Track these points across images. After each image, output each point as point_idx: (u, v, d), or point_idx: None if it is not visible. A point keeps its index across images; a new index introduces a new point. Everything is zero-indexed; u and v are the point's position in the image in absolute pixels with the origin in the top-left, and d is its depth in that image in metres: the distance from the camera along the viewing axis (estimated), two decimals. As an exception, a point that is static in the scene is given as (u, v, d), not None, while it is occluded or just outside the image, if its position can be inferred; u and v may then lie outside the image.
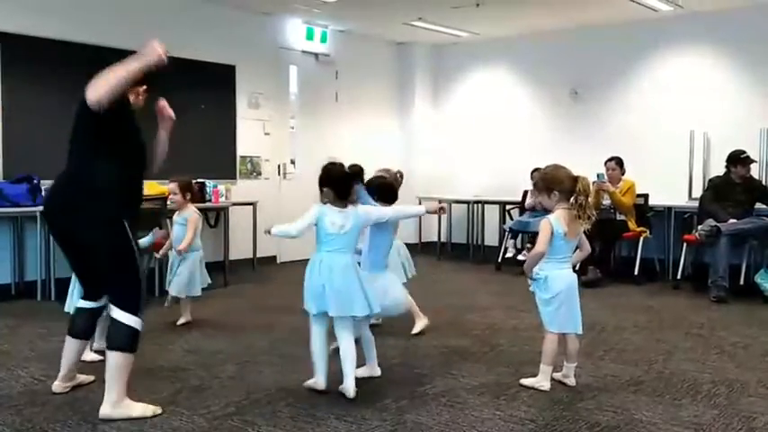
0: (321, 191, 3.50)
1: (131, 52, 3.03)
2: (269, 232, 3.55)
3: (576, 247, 3.67)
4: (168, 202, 5.58)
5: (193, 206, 5.24)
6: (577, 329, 3.59)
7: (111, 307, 3.16)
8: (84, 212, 3.09)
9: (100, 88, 2.91)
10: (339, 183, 3.48)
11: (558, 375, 3.65)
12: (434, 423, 3.09)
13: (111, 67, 2.95)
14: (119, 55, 3.04)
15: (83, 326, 3.40)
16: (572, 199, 3.50)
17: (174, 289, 5.07)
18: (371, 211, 3.69)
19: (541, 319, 3.62)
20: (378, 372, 3.77)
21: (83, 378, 3.57)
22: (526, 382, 3.62)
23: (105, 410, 3.09)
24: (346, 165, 3.61)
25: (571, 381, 3.63)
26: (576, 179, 3.50)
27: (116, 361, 3.10)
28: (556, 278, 3.53)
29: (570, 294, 3.56)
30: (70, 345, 3.40)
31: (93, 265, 3.23)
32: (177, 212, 5.20)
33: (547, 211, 3.66)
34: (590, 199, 3.48)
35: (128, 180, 3.21)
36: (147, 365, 3.98)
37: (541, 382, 3.57)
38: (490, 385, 3.65)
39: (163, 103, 3.49)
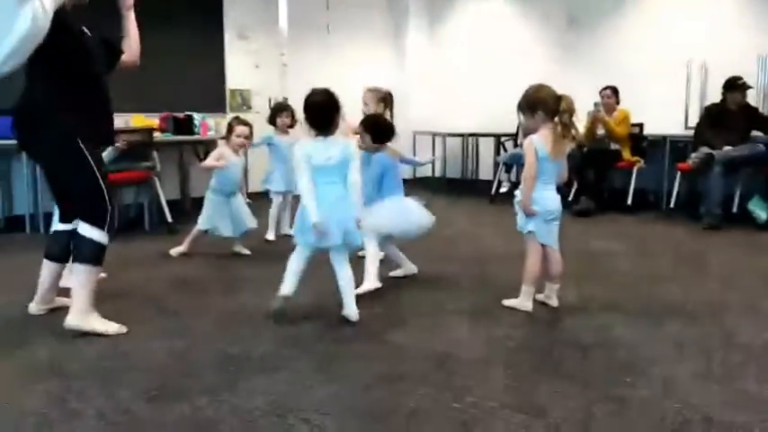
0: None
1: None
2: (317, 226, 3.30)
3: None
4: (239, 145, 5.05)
5: None
6: (555, 245, 3.57)
7: (79, 222, 3.18)
8: (36, 137, 3.10)
9: None
10: (314, 112, 3.37)
11: (540, 296, 3.64)
12: (412, 343, 3.09)
13: None
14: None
15: (59, 249, 3.39)
16: (556, 118, 3.43)
17: (230, 230, 4.96)
18: (357, 158, 3.44)
19: (521, 228, 3.58)
20: (414, 269, 4.29)
21: (66, 301, 3.56)
22: (508, 302, 3.61)
23: (70, 319, 3.13)
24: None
25: (554, 302, 3.61)
26: (559, 98, 3.42)
27: (82, 274, 3.14)
28: (542, 199, 3.48)
29: (554, 217, 3.52)
30: (47, 267, 3.42)
31: (60, 185, 3.26)
32: (236, 154, 4.99)
33: None
34: (574, 117, 3.41)
35: (75, 98, 3.10)
36: (130, 291, 4.00)
37: (524, 302, 3.55)
38: (473, 308, 3.64)
39: None
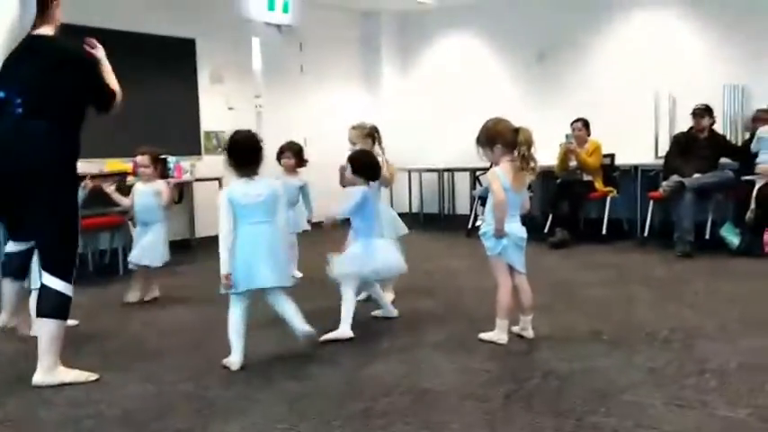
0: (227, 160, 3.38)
1: (79, 28, 3.03)
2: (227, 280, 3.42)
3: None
4: (136, 175, 5.23)
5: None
6: (523, 269, 3.59)
7: (44, 273, 3.08)
8: (53, 177, 3.06)
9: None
10: (239, 152, 3.36)
11: (516, 329, 3.64)
12: (389, 375, 3.08)
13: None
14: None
15: (17, 265, 3.45)
16: (515, 151, 3.47)
17: (136, 257, 4.92)
18: (284, 196, 3.51)
19: (491, 252, 3.58)
20: (394, 312, 4.14)
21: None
22: (484, 336, 3.60)
23: (38, 378, 3.05)
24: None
25: (529, 333, 3.62)
26: (517, 131, 3.48)
27: (47, 329, 3.06)
28: (508, 230, 3.51)
29: (519, 246, 3.55)
30: (7, 286, 3.50)
31: (40, 227, 3.14)
32: (143, 183, 5.01)
33: None
34: (532, 149, 3.45)
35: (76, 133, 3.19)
36: (103, 336, 3.96)
37: (499, 335, 3.55)
38: (450, 341, 3.64)
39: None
